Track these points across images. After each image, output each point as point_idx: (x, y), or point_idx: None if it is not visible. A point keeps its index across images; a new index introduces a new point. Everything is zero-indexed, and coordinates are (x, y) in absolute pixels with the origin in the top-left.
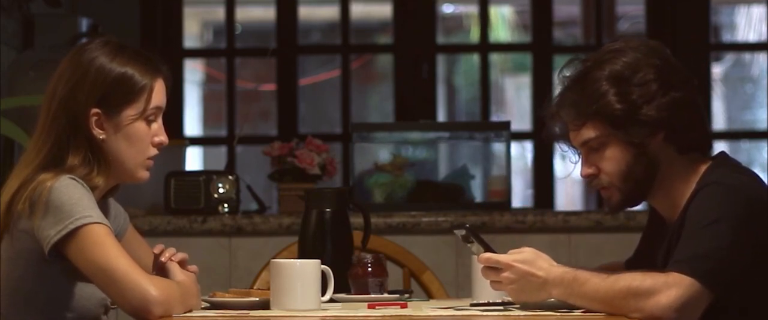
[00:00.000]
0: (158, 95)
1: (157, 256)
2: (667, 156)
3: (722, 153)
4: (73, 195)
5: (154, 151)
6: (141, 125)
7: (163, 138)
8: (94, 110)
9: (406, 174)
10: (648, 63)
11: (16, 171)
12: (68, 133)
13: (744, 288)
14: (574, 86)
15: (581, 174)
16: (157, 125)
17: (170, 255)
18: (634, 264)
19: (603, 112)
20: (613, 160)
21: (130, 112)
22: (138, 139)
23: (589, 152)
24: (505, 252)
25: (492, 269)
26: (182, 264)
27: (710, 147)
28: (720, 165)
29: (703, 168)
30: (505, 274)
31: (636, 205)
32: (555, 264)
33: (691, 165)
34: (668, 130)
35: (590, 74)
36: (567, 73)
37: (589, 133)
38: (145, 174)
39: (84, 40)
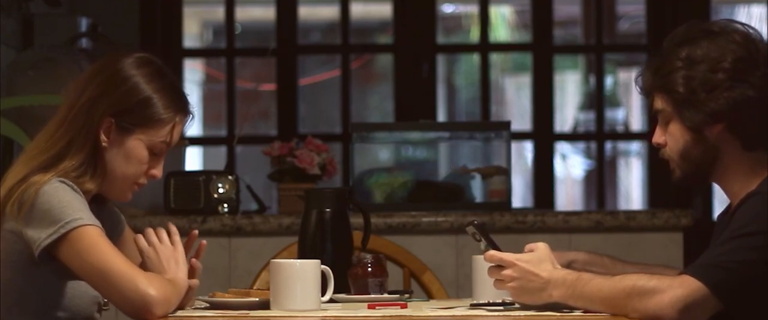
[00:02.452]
0: (173, 133)
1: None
2: (731, 148)
3: None
4: (62, 198)
5: (144, 180)
6: (144, 151)
7: (157, 172)
8: (110, 118)
9: (406, 173)
10: (729, 51)
11: (18, 167)
12: (81, 133)
13: (757, 304)
14: (660, 54)
15: (652, 141)
16: (158, 159)
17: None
18: None
19: (667, 89)
20: (674, 136)
21: (141, 135)
22: (136, 162)
23: (661, 121)
24: (507, 252)
25: (497, 267)
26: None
27: None
28: None
29: (766, 171)
30: (507, 272)
31: (699, 186)
32: (560, 267)
33: (757, 162)
34: (729, 123)
35: (675, 48)
36: (671, 37)
37: (658, 103)
38: (128, 196)
39: (119, 51)
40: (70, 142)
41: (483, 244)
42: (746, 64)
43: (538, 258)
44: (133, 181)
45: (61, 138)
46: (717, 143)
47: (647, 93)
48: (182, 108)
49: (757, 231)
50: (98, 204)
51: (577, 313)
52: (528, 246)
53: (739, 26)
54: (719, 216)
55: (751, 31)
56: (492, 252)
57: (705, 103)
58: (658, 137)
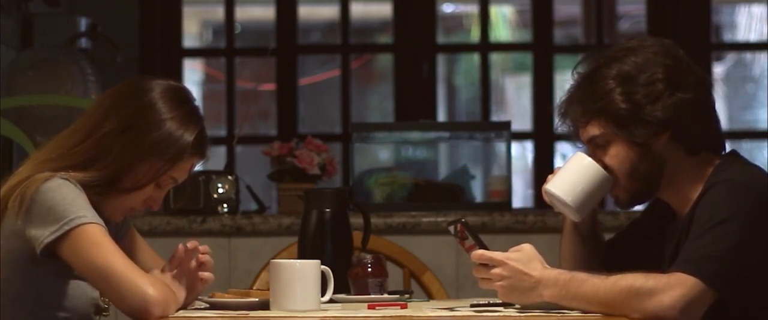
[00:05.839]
0: (184, 171)
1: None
2: (675, 155)
3: (733, 151)
4: (66, 195)
5: (139, 207)
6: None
7: (154, 205)
8: None
9: (406, 173)
10: (657, 62)
11: (27, 167)
12: (109, 158)
13: (749, 288)
14: (582, 83)
15: None
16: (161, 192)
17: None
18: (615, 244)
19: (607, 111)
20: (617, 158)
21: (154, 163)
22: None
23: (595, 149)
24: (504, 251)
25: (484, 266)
26: (204, 266)
27: (722, 147)
28: (729, 162)
29: (712, 166)
30: (497, 270)
31: (646, 202)
32: (549, 266)
33: (701, 164)
34: (674, 130)
35: (599, 72)
36: (580, 70)
37: (593, 130)
38: (119, 218)
39: (155, 81)
40: (93, 159)
41: (468, 243)
42: (676, 70)
43: (527, 257)
44: (130, 206)
45: (84, 153)
46: (663, 154)
47: (578, 124)
48: (202, 152)
49: (731, 215)
50: None
51: (576, 313)
52: (511, 250)
53: (651, 38)
54: (661, 222)
55: (664, 40)
56: (480, 251)
57: (650, 114)
58: None
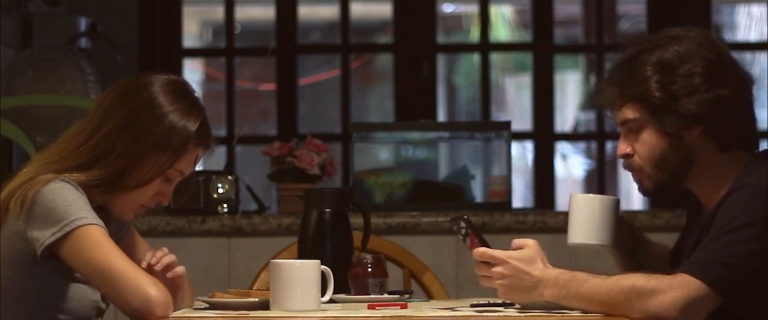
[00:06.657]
0: (190, 163)
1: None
2: (706, 151)
3: (764, 151)
4: (67, 197)
5: (149, 203)
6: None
7: (163, 200)
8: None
9: (406, 173)
10: (700, 55)
11: (29, 169)
12: (112, 156)
13: (755, 296)
14: (623, 65)
15: (617, 153)
16: (170, 186)
17: (158, 260)
18: (675, 252)
19: (642, 97)
20: (647, 144)
21: (159, 156)
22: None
23: (627, 132)
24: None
25: (485, 264)
26: (168, 267)
27: (756, 146)
28: (759, 163)
29: (742, 165)
30: (498, 269)
31: (670, 193)
32: (550, 266)
33: (731, 162)
34: (707, 125)
35: (640, 57)
36: (625, 52)
37: (628, 113)
38: (130, 216)
39: (154, 76)
40: (97, 158)
41: (470, 240)
42: (717, 65)
43: (529, 256)
44: (139, 203)
45: (88, 153)
46: (694, 147)
47: (613, 106)
48: (206, 143)
49: (749, 222)
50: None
51: (577, 313)
52: (516, 242)
53: (698, 30)
54: (690, 215)
55: (709, 33)
56: (482, 248)
57: (685, 106)
58: (624, 148)
